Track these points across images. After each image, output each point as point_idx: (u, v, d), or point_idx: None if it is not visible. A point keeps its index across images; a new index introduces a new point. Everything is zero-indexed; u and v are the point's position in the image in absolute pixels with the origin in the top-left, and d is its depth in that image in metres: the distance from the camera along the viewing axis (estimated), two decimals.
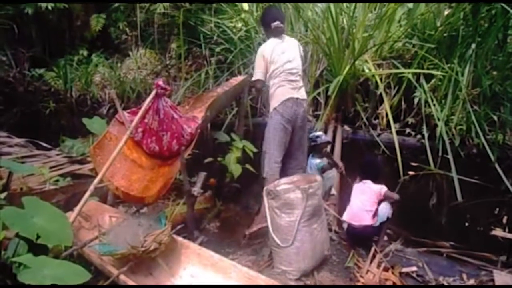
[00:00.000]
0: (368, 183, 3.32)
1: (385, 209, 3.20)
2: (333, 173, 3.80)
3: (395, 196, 3.26)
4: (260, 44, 6.69)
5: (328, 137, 3.91)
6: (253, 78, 3.48)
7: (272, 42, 3.45)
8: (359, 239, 3.23)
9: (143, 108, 2.78)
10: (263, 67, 3.41)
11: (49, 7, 7.89)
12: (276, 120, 3.34)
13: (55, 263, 1.79)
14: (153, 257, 2.33)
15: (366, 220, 3.16)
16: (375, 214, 3.20)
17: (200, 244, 2.79)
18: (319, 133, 3.96)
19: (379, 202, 3.23)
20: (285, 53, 3.43)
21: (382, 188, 3.24)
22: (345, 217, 3.28)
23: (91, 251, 2.35)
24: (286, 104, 3.33)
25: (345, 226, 3.29)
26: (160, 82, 2.78)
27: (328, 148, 4.04)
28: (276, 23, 3.46)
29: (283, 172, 3.33)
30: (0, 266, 2.08)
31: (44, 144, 4.54)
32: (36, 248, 1.90)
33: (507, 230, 3.64)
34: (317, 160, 3.72)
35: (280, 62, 3.39)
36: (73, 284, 1.69)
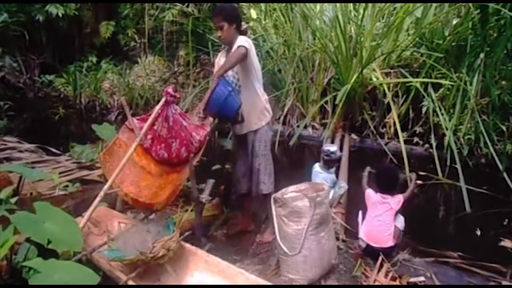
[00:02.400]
0: (388, 198, 3.10)
1: (401, 224, 3.12)
2: (345, 184, 3.80)
3: (413, 187, 3.27)
4: (268, 53, 6.80)
5: (342, 153, 3.81)
6: (243, 44, 2.89)
7: (247, 39, 3.02)
8: (378, 255, 3.12)
9: (152, 115, 2.80)
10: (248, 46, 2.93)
11: (60, 14, 8.00)
12: (269, 135, 3.22)
13: (65, 266, 1.81)
14: (161, 263, 2.34)
15: (386, 243, 3.06)
16: (394, 234, 3.08)
17: (208, 251, 2.79)
18: (334, 148, 3.79)
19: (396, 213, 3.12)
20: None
21: (401, 200, 3.09)
22: (363, 236, 3.13)
23: (100, 256, 2.36)
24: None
25: (361, 243, 3.15)
26: (170, 90, 2.80)
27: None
28: (244, 23, 3.19)
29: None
30: (11, 271, 2.10)
31: (54, 150, 4.58)
32: (46, 253, 1.92)
33: None
34: (324, 174, 3.68)
35: (259, 69, 3.17)
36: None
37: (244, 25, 3.13)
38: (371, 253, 3.12)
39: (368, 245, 3.10)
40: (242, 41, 2.91)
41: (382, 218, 3.09)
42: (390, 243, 3.07)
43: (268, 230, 3.34)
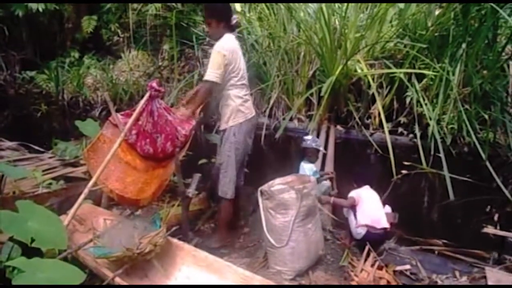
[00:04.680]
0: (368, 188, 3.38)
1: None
2: (327, 183, 3.85)
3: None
4: (253, 45, 6.78)
5: (317, 143, 3.76)
6: (210, 78, 2.87)
7: (231, 39, 3.01)
8: (376, 243, 3.18)
9: (137, 110, 2.77)
10: (223, 68, 2.89)
11: (40, 9, 7.83)
12: (238, 138, 3.05)
13: (50, 264, 1.78)
14: (148, 259, 2.33)
15: (384, 223, 3.17)
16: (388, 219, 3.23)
17: (195, 245, 2.79)
18: (308, 136, 3.90)
19: None
20: (242, 57, 3.11)
21: None
22: (366, 221, 3.16)
23: (86, 254, 2.34)
24: (252, 122, 3.14)
25: (361, 232, 3.18)
26: (154, 84, 2.77)
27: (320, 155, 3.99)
28: (235, 17, 3.12)
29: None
30: None
31: (36, 147, 4.51)
32: (30, 252, 1.89)
33: (498, 227, 3.68)
34: (309, 165, 3.71)
35: (242, 68, 3.07)
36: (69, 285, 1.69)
37: (234, 20, 3.09)
38: (371, 238, 3.15)
39: (368, 232, 3.14)
40: (220, 48, 2.89)
41: (378, 203, 3.28)
42: (386, 223, 3.17)
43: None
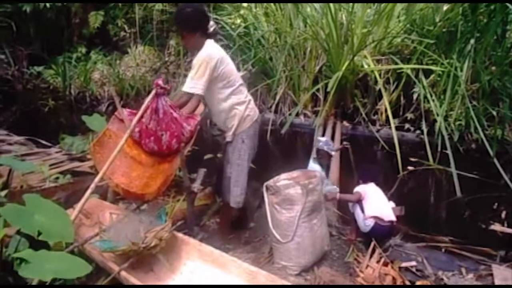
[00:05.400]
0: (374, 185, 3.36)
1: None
2: (335, 187, 3.76)
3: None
4: (259, 41, 6.76)
5: (329, 147, 3.64)
6: (195, 91, 2.73)
7: (214, 45, 2.82)
8: (382, 239, 3.18)
9: (142, 107, 2.77)
10: (207, 78, 2.71)
11: (47, 5, 7.87)
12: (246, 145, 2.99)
13: (56, 256, 1.80)
14: (153, 253, 2.34)
15: (392, 216, 3.17)
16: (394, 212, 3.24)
17: (201, 240, 2.80)
18: (323, 138, 3.80)
19: None
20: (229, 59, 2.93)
21: None
22: (374, 213, 3.14)
23: (92, 247, 2.36)
24: (258, 122, 3.07)
25: (369, 224, 3.15)
26: (160, 82, 2.76)
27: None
28: (212, 23, 2.88)
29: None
30: (2, 264, 2.09)
31: (44, 142, 4.54)
32: (38, 245, 1.91)
33: (506, 225, 3.65)
34: (317, 167, 3.63)
35: (235, 70, 2.96)
36: (75, 279, 1.70)
37: (211, 27, 2.85)
38: (378, 233, 3.14)
39: (375, 224, 3.11)
40: (207, 57, 2.70)
41: (383, 198, 3.27)
42: (393, 216, 3.17)
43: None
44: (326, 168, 3.82)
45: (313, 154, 3.84)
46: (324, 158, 3.68)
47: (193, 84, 2.72)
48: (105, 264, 2.27)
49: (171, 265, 2.41)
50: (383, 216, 3.12)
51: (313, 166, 3.65)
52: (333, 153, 3.69)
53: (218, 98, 2.90)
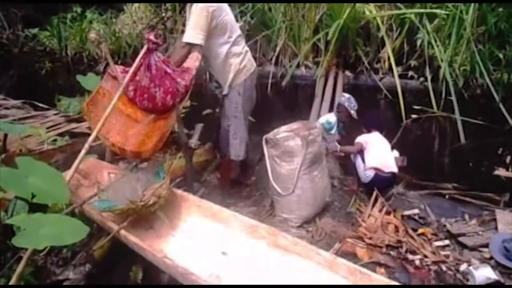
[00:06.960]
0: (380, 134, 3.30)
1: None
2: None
3: None
4: None
5: (350, 105, 3.54)
6: (194, 41, 2.62)
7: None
8: (384, 188, 3.15)
9: (134, 64, 2.67)
10: (207, 28, 2.61)
11: None
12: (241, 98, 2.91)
13: (52, 219, 1.77)
14: (152, 211, 2.33)
15: (394, 167, 3.13)
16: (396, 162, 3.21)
17: (201, 196, 2.79)
18: (347, 94, 3.68)
19: None
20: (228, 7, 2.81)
21: None
22: (374, 164, 3.10)
23: (91, 208, 2.35)
24: (254, 74, 2.98)
25: (369, 174, 3.12)
26: (151, 37, 2.65)
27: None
28: None
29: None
30: (2, 228, 2.09)
31: (41, 105, 4.48)
32: (36, 208, 1.89)
33: (510, 170, 3.61)
34: (330, 117, 3.61)
35: (233, 19, 2.85)
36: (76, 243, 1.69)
37: None
38: (379, 182, 3.11)
39: (376, 175, 3.08)
40: (205, 4, 2.57)
41: (386, 147, 3.23)
42: (395, 167, 3.14)
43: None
44: (343, 125, 3.73)
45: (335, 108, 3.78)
46: (343, 114, 3.61)
47: (194, 33, 2.61)
48: (104, 224, 2.27)
49: (171, 222, 2.41)
50: (383, 167, 3.08)
51: (326, 115, 3.62)
52: (353, 112, 3.55)
53: (216, 50, 2.81)
